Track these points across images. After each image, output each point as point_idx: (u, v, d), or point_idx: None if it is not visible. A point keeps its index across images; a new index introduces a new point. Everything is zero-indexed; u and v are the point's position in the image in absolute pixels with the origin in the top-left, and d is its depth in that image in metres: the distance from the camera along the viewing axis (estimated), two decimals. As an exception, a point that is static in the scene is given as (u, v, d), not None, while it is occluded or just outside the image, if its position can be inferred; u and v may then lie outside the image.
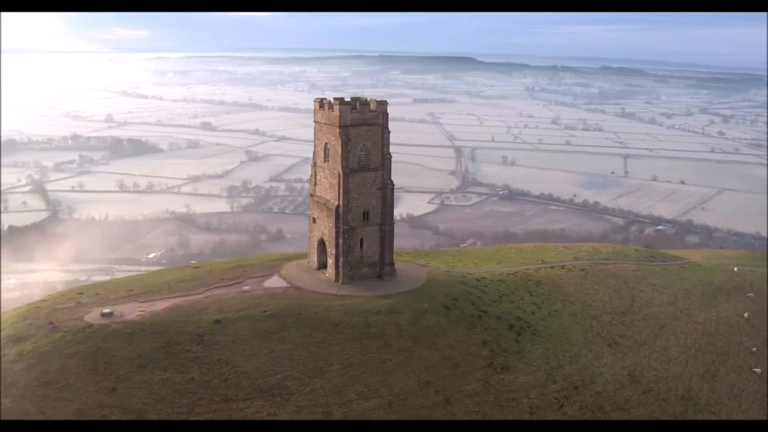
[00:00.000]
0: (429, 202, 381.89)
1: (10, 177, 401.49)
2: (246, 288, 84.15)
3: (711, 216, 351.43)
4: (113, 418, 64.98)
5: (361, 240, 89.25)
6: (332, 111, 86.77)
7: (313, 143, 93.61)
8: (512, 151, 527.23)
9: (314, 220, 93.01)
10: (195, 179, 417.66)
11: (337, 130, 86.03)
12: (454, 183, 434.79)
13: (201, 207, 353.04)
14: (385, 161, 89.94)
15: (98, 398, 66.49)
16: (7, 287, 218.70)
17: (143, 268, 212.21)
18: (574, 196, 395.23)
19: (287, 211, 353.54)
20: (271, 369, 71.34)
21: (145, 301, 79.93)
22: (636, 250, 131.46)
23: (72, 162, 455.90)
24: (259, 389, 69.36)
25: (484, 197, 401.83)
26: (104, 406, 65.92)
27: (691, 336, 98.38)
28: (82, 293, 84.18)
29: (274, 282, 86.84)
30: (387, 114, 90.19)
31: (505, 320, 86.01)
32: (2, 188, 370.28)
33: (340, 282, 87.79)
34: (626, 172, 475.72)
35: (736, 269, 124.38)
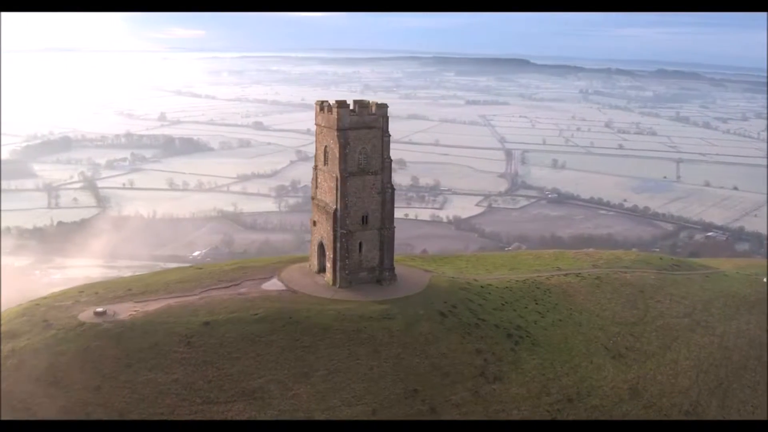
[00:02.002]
0: (477, 205, 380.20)
1: (62, 173, 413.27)
2: (242, 290, 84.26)
3: (763, 223, 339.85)
4: (95, 416, 65.79)
5: (360, 244, 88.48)
6: (331, 114, 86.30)
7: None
8: (563, 154, 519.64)
9: (314, 223, 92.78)
10: (244, 178, 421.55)
11: (336, 133, 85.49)
12: (503, 186, 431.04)
13: (249, 206, 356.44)
14: (385, 165, 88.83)
15: (83, 396, 67.48)
16: (51, 282, 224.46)
17: (187, 266, 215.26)
18: (624, 200, 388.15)
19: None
20: (256, 372, 71.25)
21: (141, 301, 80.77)
22: (661, 258, 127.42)
23: (124, 160, 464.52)
24: (241, 392, 69.35)
25: (533, 200, 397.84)
26: (88, 403, 66.84)
27: (706, 349, 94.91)
28: (82, 291, 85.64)
29: (272, 285, 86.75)
30: (387, 117, 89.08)
31: (503, 329, 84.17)
32: (54, 184, 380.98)
33: (338, 286, 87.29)
34: (678, 177, 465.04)
35: (765, 280, 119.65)
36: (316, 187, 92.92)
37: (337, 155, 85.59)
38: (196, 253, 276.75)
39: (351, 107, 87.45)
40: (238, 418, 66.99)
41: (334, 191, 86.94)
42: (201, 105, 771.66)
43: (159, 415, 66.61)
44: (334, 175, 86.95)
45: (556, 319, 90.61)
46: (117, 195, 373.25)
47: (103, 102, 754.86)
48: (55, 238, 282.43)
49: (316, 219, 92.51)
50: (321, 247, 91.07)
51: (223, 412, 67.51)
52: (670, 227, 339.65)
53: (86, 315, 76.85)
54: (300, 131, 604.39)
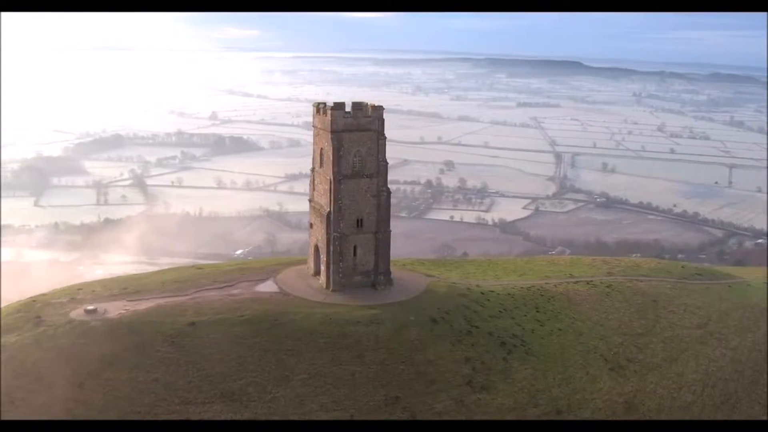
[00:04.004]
0: (524, 208, 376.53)
1: (113, 171, 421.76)
2: (235, 291, 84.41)
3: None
4: (76, 413, 66.68)
5: (355, 247, 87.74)
6: (326, 116, 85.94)
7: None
8: (613, 158, 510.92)
9: (311, 226, 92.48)
10: (292, 177, 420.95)
11: (330, 135, 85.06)
12: (551, 189, 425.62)
13: (295, 205, 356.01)
14: (380, 168, 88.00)
15: (65, 393, 68.35)
16: (94, 277, 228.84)
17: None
18: (674, 205, 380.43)
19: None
20: (236, 374, 71.22)
21: (133, 300, 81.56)
22: (683, 267, 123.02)
23: (174, 158, 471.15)
24: (220, 394, 69.43)
25: (581, 204, 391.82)
26: (69, 400, 67.73)
27: (716, 362, 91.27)
28: (80, 289, 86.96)
29: (266, 287, 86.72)
30: (383, 120, 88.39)
31: (497, 337, 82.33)
32: (104, 182, 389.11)
33: (331, 289, 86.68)
34: (730, 183, 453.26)
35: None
36: (313, 189, 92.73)
37: (331, 157, 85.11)
38: (238, 252, 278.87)
39: (348, 109, 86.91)
40: (215, 419, 67.06)
41: (329, 194, 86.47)
42: (252, 104, 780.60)
43: (136, 414, 67.10)
44: (328, 177, 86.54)
45: (555, 327, 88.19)
46: (165, 193, 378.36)
47: (156, 100, 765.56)
48: (101, 234, 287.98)
49: (312, 221, 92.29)
50: (317, 249, 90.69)
51: (200, 413, 67.66)
52: (719, 234, 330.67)
53: (77, 313, 77.99)
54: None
